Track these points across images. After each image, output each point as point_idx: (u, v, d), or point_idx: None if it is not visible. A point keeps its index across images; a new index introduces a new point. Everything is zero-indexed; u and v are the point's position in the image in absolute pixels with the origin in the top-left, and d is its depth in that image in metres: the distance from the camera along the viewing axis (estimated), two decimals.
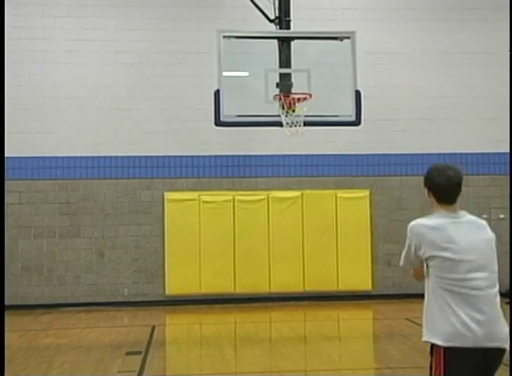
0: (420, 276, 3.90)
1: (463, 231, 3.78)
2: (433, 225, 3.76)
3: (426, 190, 3.91)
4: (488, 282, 3.72)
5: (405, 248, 3.89)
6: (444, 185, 3.84)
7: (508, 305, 10.93)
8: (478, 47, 12.86)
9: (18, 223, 12.10)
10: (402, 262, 3.99)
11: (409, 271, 4.04)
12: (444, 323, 3.63)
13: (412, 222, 3.83)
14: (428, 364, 3.70)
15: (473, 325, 3.59)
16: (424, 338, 3.74)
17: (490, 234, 3.95)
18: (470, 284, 3.65)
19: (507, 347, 3.69)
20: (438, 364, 3.66)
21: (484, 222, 3.97)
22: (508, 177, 12.06)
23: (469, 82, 12.86)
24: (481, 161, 12.90)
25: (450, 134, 12.87)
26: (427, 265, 3.77)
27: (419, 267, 3.86)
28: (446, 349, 3.61)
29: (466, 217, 3.91)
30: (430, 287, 3.76)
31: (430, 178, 3.87)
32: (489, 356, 3.66)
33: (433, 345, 3.69)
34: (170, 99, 12.38)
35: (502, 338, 3.66)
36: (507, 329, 3.71)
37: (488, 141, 12.81)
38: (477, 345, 3.59)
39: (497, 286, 3.77)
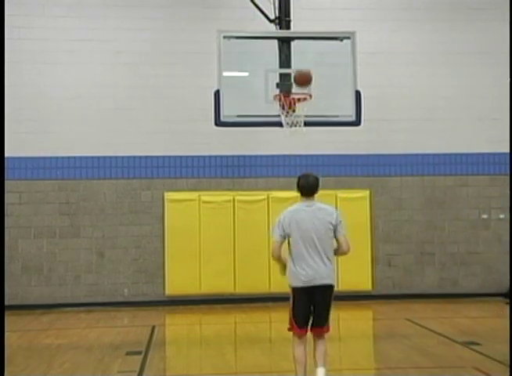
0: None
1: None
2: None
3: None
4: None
5: None
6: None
7: (508, 305, 10.93)
8: (478, 47, 12.85)
9: (18, 223, 12.10)
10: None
11: None
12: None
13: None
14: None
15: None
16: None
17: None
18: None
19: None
20: None
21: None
22: (508, 177, 12.07)
23: (469, 82, 12.86)
24: (481, 161, 12.89)
25: (450, 134, 12.86)
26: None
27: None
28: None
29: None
30: None
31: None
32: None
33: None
34: (170, 99, 12.39)
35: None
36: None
37: (488, 141, 12.80)
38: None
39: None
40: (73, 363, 7.66)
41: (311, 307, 6.07)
